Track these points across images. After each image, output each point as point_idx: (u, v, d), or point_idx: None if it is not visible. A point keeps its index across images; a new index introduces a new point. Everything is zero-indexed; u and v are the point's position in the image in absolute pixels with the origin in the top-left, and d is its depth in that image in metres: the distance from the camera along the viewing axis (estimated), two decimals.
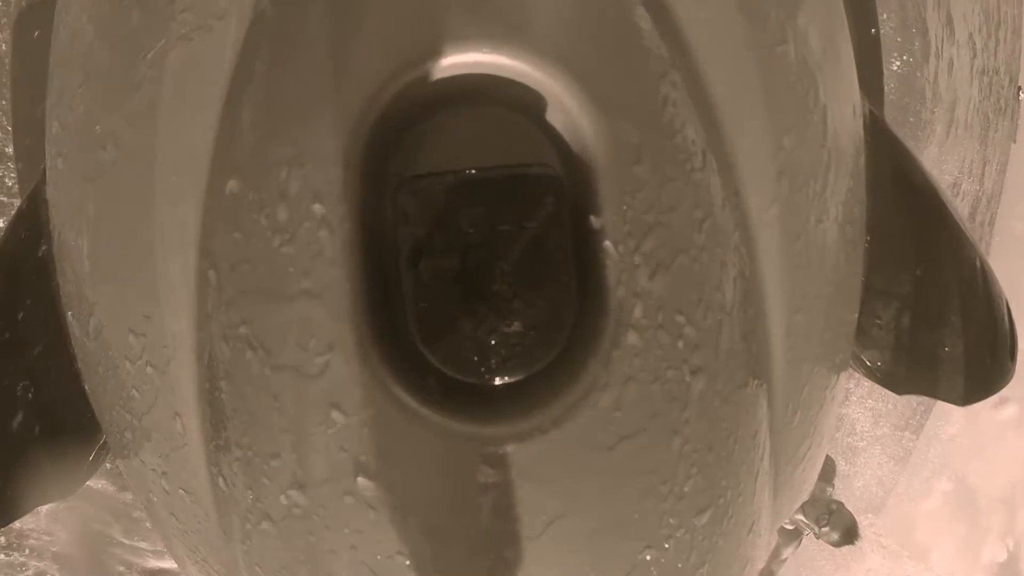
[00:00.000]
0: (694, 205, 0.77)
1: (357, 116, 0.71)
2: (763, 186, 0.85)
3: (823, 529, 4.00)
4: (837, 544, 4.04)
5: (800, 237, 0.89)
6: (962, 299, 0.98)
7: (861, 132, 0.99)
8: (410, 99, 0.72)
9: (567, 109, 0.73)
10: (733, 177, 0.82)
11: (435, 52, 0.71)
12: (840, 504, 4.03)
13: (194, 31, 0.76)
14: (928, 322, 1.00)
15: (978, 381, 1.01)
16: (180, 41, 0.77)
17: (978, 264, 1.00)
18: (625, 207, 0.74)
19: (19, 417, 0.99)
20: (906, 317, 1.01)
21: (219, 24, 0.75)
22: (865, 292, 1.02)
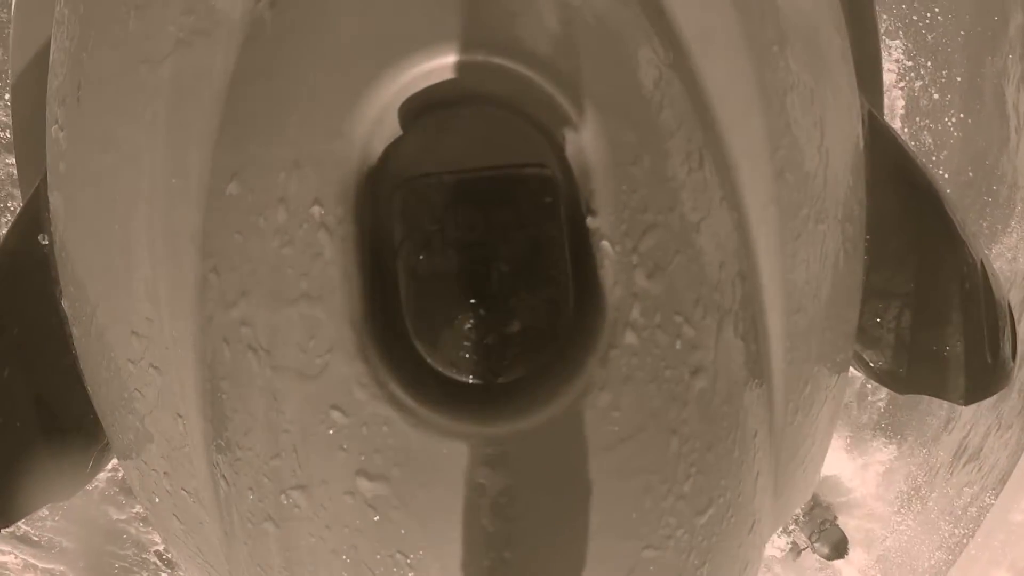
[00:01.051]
0: (692, 205, 0.77)
1: (354, 118, 0.71)
2: (761, 186, 0.85)
3: (815, 544, 4.06)
4: (828, 557, 4.08)
5: (799, 236, 0.89)
6: (963, 298, 0.97)
7: (860, 130, 0.99)
8: (406, 101, 0.73)
9: (563, 110, 0.73)
10: (731, 177, 0.82)
11: (432, 54, 0.71)
12: (832, 521, 4.07)
13: (192, 35, 0.77)
14: (929, 321, 1.00)
15: (980, 381, 1.00)
16: (178, 46, 0.78)
17: (979, 263, 0.99)
18: (622, 207, 0.74)
19: (21, 417, 0.99)
20: (907, 316, 1.01)
21: (217, 29, 0.76)
22: (865, 291, 1.01)
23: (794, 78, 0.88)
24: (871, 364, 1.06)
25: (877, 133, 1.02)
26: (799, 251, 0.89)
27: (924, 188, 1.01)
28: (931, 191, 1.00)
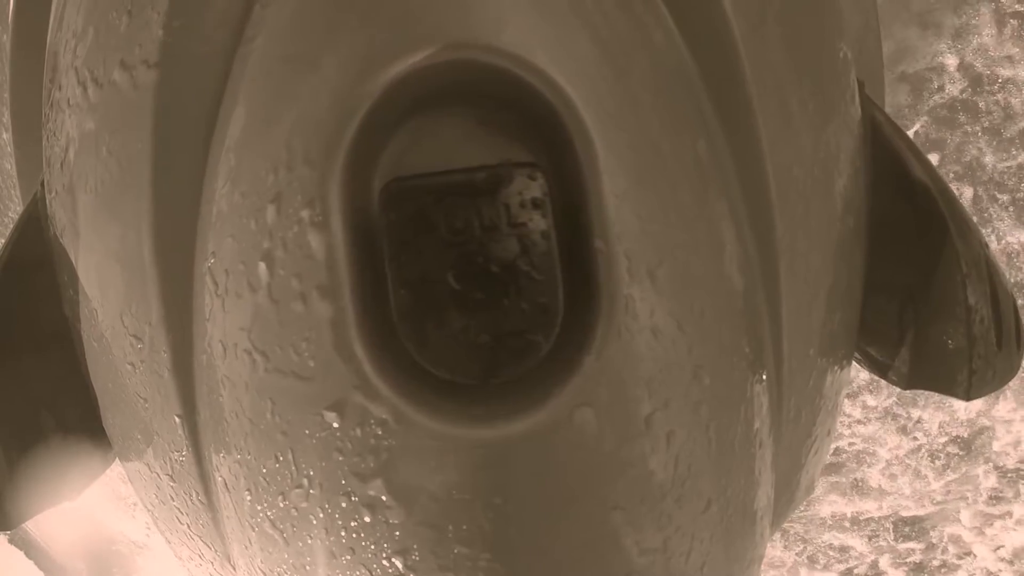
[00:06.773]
0: (688, 204, 0.77)
1: (343, 119, 0.71)
2: (761, 182, 0.84)
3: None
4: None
5: (800, 229, 0.88)
6: (965, 292, 0.96)
7: (859, 115, 0.98)
8: (396, 100, 0.72)
9: (555, 108, 0.72)
10: (730, 175, 0.81)
11: (422, 52, 0.71)
12: None
13: (185, 41, 0.77)
14: (931, 316, 0.99)
15: (984, 375, 0.99)
16: (172, 51, 0.78)
17: (983, 258, 0.98)
18: (616, 206, 0.73)
19: (25, 419, 1.00)
20: (909, 311, 1.00)
21: (210, 33, 0.76)
22: (868, 286, 1.00)
23: (795, 74, 0.87)
24: (874, 359, 1.05)
25: (877, 124, 1.01)
26: (800, 246, 0.89)
27: (924, 181, 0.99)
28: (931, 184, 0.99)
